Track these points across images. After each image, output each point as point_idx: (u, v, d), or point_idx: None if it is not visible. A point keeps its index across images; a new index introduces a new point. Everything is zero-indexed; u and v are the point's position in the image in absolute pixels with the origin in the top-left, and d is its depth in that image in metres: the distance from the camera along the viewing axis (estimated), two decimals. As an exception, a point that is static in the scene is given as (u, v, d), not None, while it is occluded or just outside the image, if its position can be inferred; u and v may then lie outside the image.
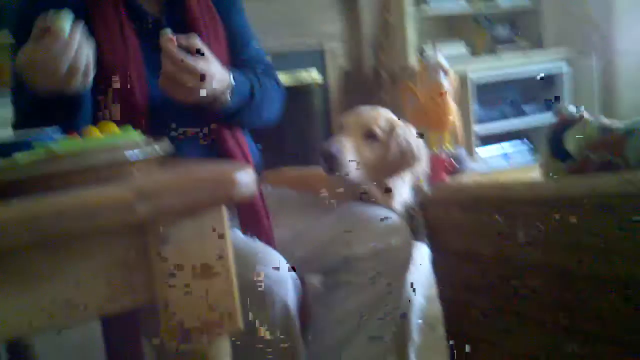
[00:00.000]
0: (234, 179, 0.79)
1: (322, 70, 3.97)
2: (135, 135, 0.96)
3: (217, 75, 1.37)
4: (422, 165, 1.69)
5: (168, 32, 1.30)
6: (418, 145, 1.67)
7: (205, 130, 1.52)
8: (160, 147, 0.93)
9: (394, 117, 1.70)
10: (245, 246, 1.35)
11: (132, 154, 0.87)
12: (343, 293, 1.54)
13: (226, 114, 1.49)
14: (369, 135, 1.62)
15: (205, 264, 0.78)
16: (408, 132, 1.67)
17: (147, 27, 1.47)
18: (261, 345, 1.28)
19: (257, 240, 1.45)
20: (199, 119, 1.50)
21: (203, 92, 1.35)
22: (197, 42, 1.33)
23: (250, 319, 1.25)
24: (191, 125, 1.50)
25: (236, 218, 1.51)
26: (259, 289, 1.25)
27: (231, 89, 1.44)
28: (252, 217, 1.50)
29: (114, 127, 1.02)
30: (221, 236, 0.80)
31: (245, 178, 0.80)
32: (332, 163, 1.55)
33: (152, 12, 1.51)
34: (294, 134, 3.85)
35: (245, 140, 1.57)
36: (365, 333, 1.54)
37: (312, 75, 3.88)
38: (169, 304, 0.77)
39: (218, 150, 1.51)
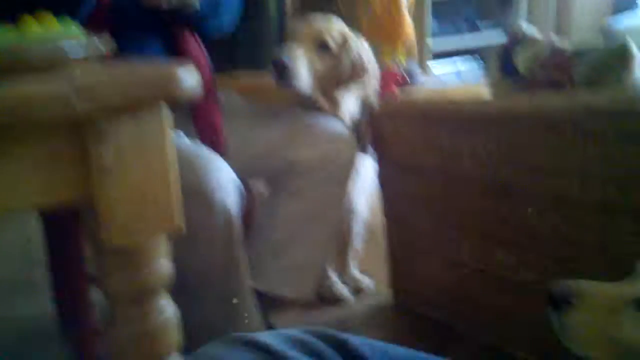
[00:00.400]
0: (176, 77, 0.76)
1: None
2: (75, 29, 0.91)
3: None
4: (372, 79, 1.69)
5: None
6: (369, 59, 1.66)
7: (160, 32, 1.47)
8: (101, 42, 0.89)
9: (347, 29, 1.67)
10: (189, 150, 1.34)
11: (71, 48, 0.83)
12: (287, 197, 1.56)
13: (191, 20, 1.45)
14: (321, 46, 1.60)
15: (144, 162, 0.77)
16: (360, 45, 1.65)
17: None
18: (202, 249, 1.29)
19: (202, 145, 1.43)
20: (160, 22, 1.44)
21: None
22: None
23: (191, 222, 1.24)
24: (152, 27, 1.44)
25: (189, 123, 1.48)
26: (201, 192, 1.24)
27: None
28: (205, 122, 1.48)
29: (52, 19, 0.97)
30: (161, 134, 0.78)
31: (189, 77, 0.78)
32: (283, 73, 1.52)
33: None
34: (246, 38, 3.76)
35: (200, 45, 1.52)
36: (307, 237, 1.57)
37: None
38: (105, 200, 0.76)
39: (172, 53, 1.47)
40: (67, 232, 1.35)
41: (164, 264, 0.83)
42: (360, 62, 1.63)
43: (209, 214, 1.27)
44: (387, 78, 2.52)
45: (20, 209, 0.75)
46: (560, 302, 0.85)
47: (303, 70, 1.55)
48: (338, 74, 1.61)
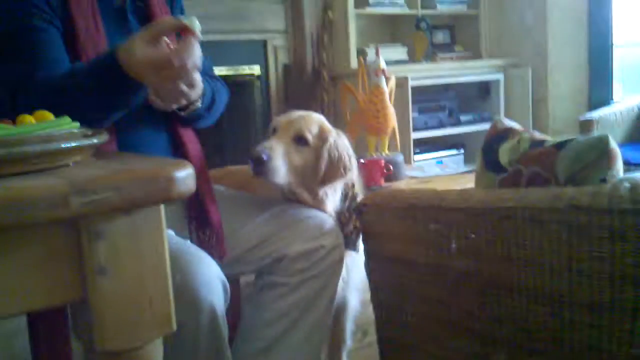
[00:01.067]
0: (172, 177, 0.77)
1: (264, 66, 3.96)
2: (70, 124, 0.92)
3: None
4: (353, 176, 1.70)
5: (196, 25, 1.22)
6: (349, 155, 1.68)
7: (164, 128, 1.50)
8: (97, 138, 0.90)
9: (327, 124, 1.70)
10: (176, 247, 1.33)
11: (67, 144, 0.84)
12: (274, 294, 1.54)
13: (192, 118, 1.48)
14: (300, 140, 1.62)
15: (140, 263, 0.77)
16: (340, 141, 1.67)
17: (113, 14, 1.45)
18: (187, 350, 1.26)
19: (188, 242, 1.43)
20: (161, 118, 1.48)
21: (193, 97, 1.36)
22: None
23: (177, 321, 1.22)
24: (152, 122, 1.47)
25: (179, 218, 1.49)
26: (187, 291, 1.22)
27: (202, 95, 1.43)
28: (202, 216, 1.49)
29: (49, 115, 0.99)
30: (157, 235, 0.79)
31: (184, 176, 0.79)
32: (260, 166, 1.54)
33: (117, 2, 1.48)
34: (233, 129, 3.83)
35: (196, 139, 1.55)
36: (297, 335, 1.54)
37: (253, 70, 3.87)
38: (100, 301, 0.75)
39: (174, 149, 1.50)
40: (54, 329, 1.32)
41: (157, 368, 0.81)
42: (341, 158, 1.64)
43: (195, 313, 1.24)
44: (373, 169, 2.56)
45: (17, 314, 0.74)
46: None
47: (279, 164, 1.56)
48: (318, 169, 1.62)
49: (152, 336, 0.78)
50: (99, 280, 0.75)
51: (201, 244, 1.46)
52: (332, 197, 1.69)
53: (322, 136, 1.64)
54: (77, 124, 0.91)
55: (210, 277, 1.28)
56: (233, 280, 1.66)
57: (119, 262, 0.76)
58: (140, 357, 0.78)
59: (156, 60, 1.17)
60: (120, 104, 1.28)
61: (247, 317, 1.57)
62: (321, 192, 1.66)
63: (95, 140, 0.89)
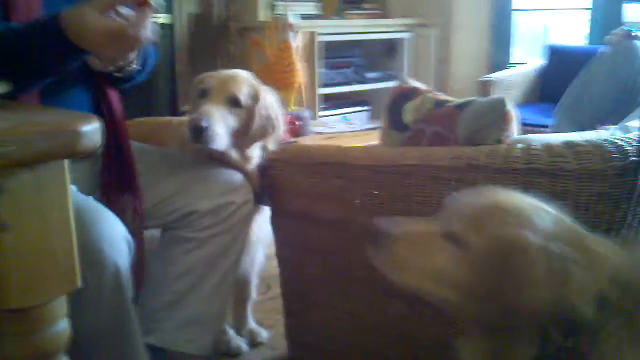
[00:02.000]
0: (78, 131, 0.75)
1: (170, 14, 3.84)
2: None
3: None
4: (280, 133, 1.71)
5: None
6: (278, 114, 1.69)
7: (87, 87, 1.44)
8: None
9: (256, 83, 1.69)
10: (79, 204, 1.29)
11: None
12: (182, 248, 1.54)
13: (126, 78, 1.44)
14: (233, 102, 1.60)
15: (43, 219, 0.75)
16: (270, 100, 1.67)
17: None
18: (90, 311, 1.24)
19: (91, 198, 1.39)
20: (85, 76, 1.42)
21: (130, 58, 1.32)
22: None
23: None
24: (76, 81, 1.41)
25: (86, 176, 1.44)
26: (89, 250, 1.20)
27: (137, 57, 1.38)
28: (122, 175, 1.45)
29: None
30: (61, 191, 0.77)
31: (91, 130, 0.77)
32: (200, 135, 1.52)
33: None
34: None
35: (118, 98, 1.50)
36: (205, 289, 1.55)
37: (160, 18, 3.75)
38: (1, 259, 0.73)
39: (98, 102, 1.45)
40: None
41: (62, 326, 0.80)
42: (272, 118, 1.65)
43: (98, 272, 1.21)
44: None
45: None
46: (380, 238, 1.03)
47: (219, 130, 1.55)
48: (250, 128, 1.62)
49: (56, 293, 0.77)
50: (1, 236, 0.73)
51: (114, 201, 1.43)
52: (256, 152, 1.70)
53: (253, 96, 1.64)
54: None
55: (115, 236, 1.26)
56: (137, 232, 1.65)
57: (21, 218, 0.74)
58: (45, 314, 0.77)
59: (110, 29, 1.13)
60: (55, 69, 1.23)
61: (154, 272, 1.56)
62: (248, 151, 1.66)
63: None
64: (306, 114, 2.90)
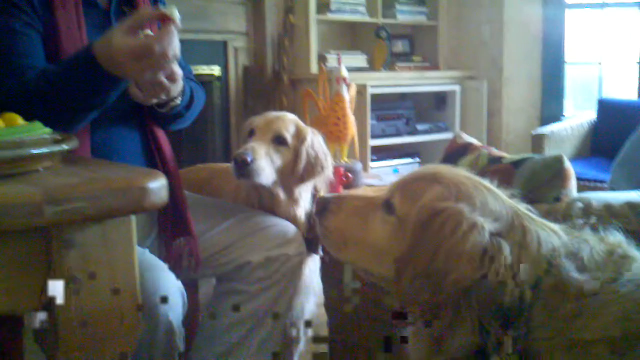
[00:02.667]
0: (146, 188, 0.78)
1: (224, 66, 3.94)
2: (42, 129, 0.92)
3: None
4: (328, 174, 1.73)
5: (176, 14, 1.21)
6: (325, 153, 1.71)
7: (137, 128, 1.48)
8: (67, 143, 0.90)
9: (302, 124, 1.72)
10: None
11: (39, 150, 0.84)
12: (234, 300, 1.54)
13: (172, 116, 1.47)
14: (279, 141, 1.64)
15: (111, 273, 0.76)
16: (316, 140, 1.70)
17: (97, 17, 1.43)
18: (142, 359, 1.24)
19: (147, 251, 1.41)
20: (135, 118, 1.46)
21: (174, 92, 1.33)
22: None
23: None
24: (125, 122, 1.45)
25: (144, 224, 1.47)
26: (146, 305, 1.20)
27: (181, 92, 1.42)
28: (178, 223, 1.48)
29: (16, 117, 0.97)
30: (128, 245, 0.79)
31: (158, 187, 0.79)
32: (244, 169, 1.55)
33: (101, 2, 1.46)
34: (190, 128, 3.79)
35: (168, 141, 1.54)
36: (255, 340, 1.55)
37: (213, 70, 3.85)
38: (67, 311, 0.75)
39: (148, 150, 1.48)
40: (9, 333, 1.29)
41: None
42: (318, 157, 1.67)
43: (152, 326, 1.22)
44: (333, 176, 2.57)
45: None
46: (322, 210, 1.05)
47: (263, 164, 1.58)
48: (297, 169, 1.65)
49: (119, 349, 0.78)
50: (68, 289, 0.75)
51: (171, 252, 1.45)
52: (305, 196, 1.71)
53: (299, 136, 1.67)
54: (49, 130, 0.90)
55: (169, 289, 1.27)
56: (192, 284, 1.66)
57: (89, 271, 0.76)
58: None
59: (136, 47, 1.15)
60: (96, 101, 1.26)
61: (206, 323, 1.57)
62: (296, 192, 1.68)
63: (65, 146, 0.88)
64: (358, 166, 2.90)
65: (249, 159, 1.54)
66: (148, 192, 0.77)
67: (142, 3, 1.49)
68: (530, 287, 0.86)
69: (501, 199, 0.96)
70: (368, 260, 1.01)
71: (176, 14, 1.20)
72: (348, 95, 3.00)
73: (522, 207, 0.96)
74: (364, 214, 1.00)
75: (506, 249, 0.87)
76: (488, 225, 0.89)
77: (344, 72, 3.01)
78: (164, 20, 1.20)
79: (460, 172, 1.00)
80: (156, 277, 1.26)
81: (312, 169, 1.67)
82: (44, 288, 0.75)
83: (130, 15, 1.25)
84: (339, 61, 3.21)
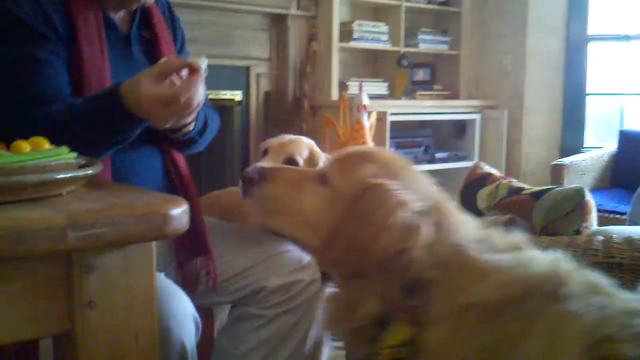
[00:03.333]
0: (168, 214, 0.78)
1: (246, 92, 3.97)
2: (66, 153, 0.93)
3: None
4: None
5: (203, 64, 1.26)
6: None
7: (158, 153, 1.51)
8: (92, 168, 0.91)
9: (317, 148, 1.72)
10: None
11: (64, 174, 0.85)
12: (249, 326, 1.54)
13: (185, 142, 1.49)
14: (291, 162, 1.63)
15: (129, 299, 0.77)
16: None
17: (118, 42, 1.46)
18: None
19: (162, 275, 1.41)
20: (155, 142, 1.48)
21: (187, 120, 1.35)
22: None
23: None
24: (146, 146, 1.47)
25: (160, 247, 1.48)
26: (159, 330, 1.20)
27: (195, 119, 1.44)
28: (196, 243, 1.49)
29: (43, 141, 0.99)
30: (148, 271, 0.79)
31: (179, 213, 0.80)
32: (251, 188, 1.55)
33: (122, 26, 1.49)
34: (211, 153, 3.82)
35: (186, 165, 1.56)
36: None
37: (234, 95, 3.89)
38: (87, 336, 0.75)
39: (168, 168, 1.50)
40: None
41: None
42: None
43: (165, 351, 1.22)
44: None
45: (2, 344, 0.74)
46: (254, 180, 1.14)
47: None
48: None
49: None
50: (88, 313, 0.75)
51: (188, 273, 1.46)
52: None
53: (312, 160, 1.67)
54: (74, 154, 0.92)
55: (183, 314, 1.28)
56: (207, 309, 1.66)
57: (108, 297, 0.77)
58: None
59: (162, 95, 1.19)
60: (120, 139, 1.29)
61: (221, 348, 1.57)
62: None
63: (90, 172, 0.89)
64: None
65: (256, 177, 1.54)
66: (170, 219, 0.78)
67: (158, 25, 1.52)
68: (439, 264, 0.93)
69: (425, 184, 1.05)
70: (298, 229, 1.08)
71: (203, 64, 1.24)
72: (368, 122, 3.02)
73: (441, 195, 1.04)
74: (300, 185, 1.08)
75: (425, 227, 0.94)
76: (412, 204, 0.96)
77: (365, 100, 3.04)
78: (190, 69, 1.23)
79: (392, 154, 1.08)
80: (169, 300, 1.26)
81: None
82: (63, 313, 0.76)
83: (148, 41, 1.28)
84: (360, 89, 3.24)
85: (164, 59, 1.33)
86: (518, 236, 1.00)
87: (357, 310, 0.96)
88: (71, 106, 1.28)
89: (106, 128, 1.24)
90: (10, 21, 1.32)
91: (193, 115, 1.37)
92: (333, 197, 1.02)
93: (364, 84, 3.45)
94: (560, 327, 0.81)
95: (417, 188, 1.01)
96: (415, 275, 0.93)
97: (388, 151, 1.09)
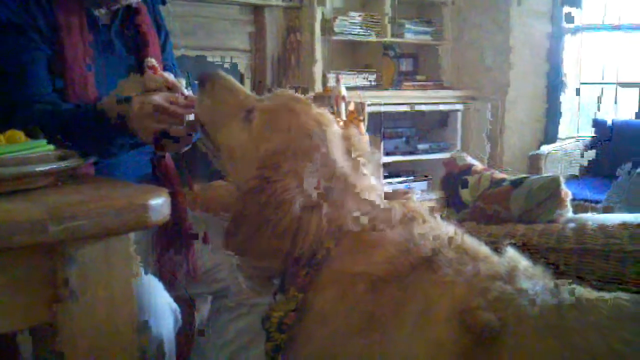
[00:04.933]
0: (147, 205, 0.79)
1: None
2: (45, 146, 0.93)
3: None
4: None
5: (182, 84, 1.31)
6: None
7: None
8: (71, 161, 0.91)
9: None
10: None
11: (42, 167, 0.85)
12: (228, 317, 1.55)
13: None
14: None
15: (110, 290, 0.78)
16: None
17: (99, 36, 1.47)
18: None
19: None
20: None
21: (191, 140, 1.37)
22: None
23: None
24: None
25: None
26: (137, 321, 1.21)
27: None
28: (178, 232, 1.49)
29: (18, 134, 0.99)
30: (127, 262, 0.80)
31: (160, 204, 0.81)
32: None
33: (104, 21, 1.50)
34: (194, 147, 3.80)
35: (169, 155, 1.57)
36: (250, 356, 1.55)
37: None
38: (69, 328, 0.76)
39: (152, 162, 1.51)
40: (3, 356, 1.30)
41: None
42: None
43: (143, 344, 1.23)
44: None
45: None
46: (201, 82, 1.16)
47: None
48: None
49: (119, 361, 0.80)
50: (69, 304, 0.76)
51: (167, 262, 1.47)
52: None
53: None
54: (52, 147, 0.92)
55: (160, 306, 1.29)
56: (188, 302, 1.67)
57: (90, 288, 0.77)
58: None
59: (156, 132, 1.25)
60: (108, 150, 1.33)
61: (201, 340, 1.58)
62: None
63: (69, 164, 0.90)
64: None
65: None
66: (150, 209, 0.79)
67: (143, 24, 1.52)
68: (334, 234, 0.98)
69: (341, 153, 1.06)
70: (227, 156, 1.13)
71: (182, 84, 1.30)
72: (345, 113, 3.03)
73: (356, 162, 1.07)
74: (229, 114, 1.11)
75: (323, 209, 0.98)
76: (312, 191, 0.99)
77: (343, 91, 3.05)
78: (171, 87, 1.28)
79: (317, 116, 1.08)
80: (147, 293, 1.27)
81: None
82: (45, 305, 0.76)
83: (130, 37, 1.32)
84: (338, 80, 3.24)
85: (149, 59, 1.35)
86: (416, 206, 1.04)
87: (262, 261, 1.03)
88: (58, 112, 1.31)
89: (109, 139, 1.29)
90: None
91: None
92: (251, 141, 1.06)
93: (349, 75, 3.44)
94: (433, 295, 0.88)
95: (329, 159, 1.03)
96: (311, 246, 0.98)
97: (315, 110, 1.09)
